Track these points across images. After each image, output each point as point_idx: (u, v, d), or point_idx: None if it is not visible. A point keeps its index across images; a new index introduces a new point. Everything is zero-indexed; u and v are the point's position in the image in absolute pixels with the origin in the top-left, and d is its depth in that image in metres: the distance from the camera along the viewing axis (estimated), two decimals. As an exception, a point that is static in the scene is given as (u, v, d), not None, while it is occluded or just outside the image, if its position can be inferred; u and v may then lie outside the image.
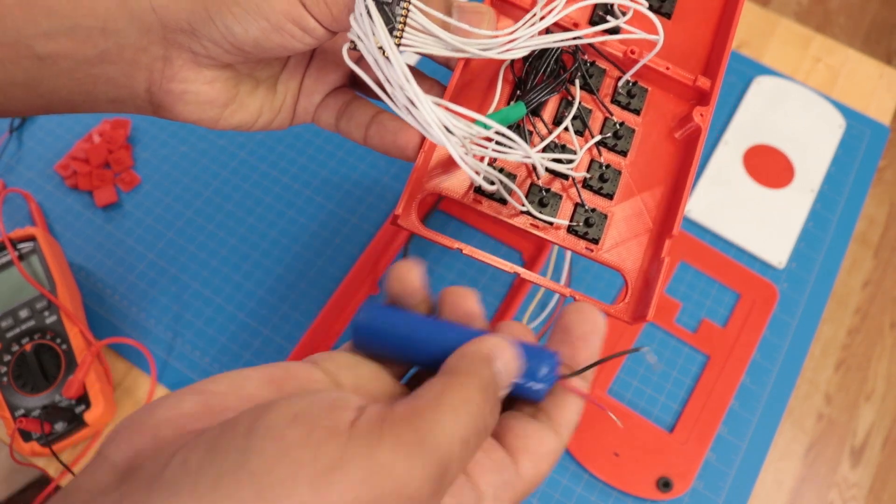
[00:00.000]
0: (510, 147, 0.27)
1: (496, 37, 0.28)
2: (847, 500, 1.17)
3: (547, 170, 0.32)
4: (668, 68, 0.33)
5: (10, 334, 0.49)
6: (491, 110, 0.32)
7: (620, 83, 0.33)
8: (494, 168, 0.31)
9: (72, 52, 0.25)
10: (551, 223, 0.32)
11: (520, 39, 0.29)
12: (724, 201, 0.61)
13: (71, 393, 0.47)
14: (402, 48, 0.26)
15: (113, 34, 0.25)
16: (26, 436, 0.48)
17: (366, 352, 0.25)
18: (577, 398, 0.25)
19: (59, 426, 0.48)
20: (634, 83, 0.34)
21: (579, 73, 0.33)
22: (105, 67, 0.26)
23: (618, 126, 0.33)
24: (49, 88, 0.26)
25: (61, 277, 0.52)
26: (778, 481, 1.17)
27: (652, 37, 0.32)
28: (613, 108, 0.34)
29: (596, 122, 0.33)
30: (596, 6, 0.34)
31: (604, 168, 0.33)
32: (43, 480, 0.80)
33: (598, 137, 0.33)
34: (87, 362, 0.48)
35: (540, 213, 0.31)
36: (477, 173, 0.28)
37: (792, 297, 0.58)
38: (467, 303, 0.25)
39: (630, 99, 0.33)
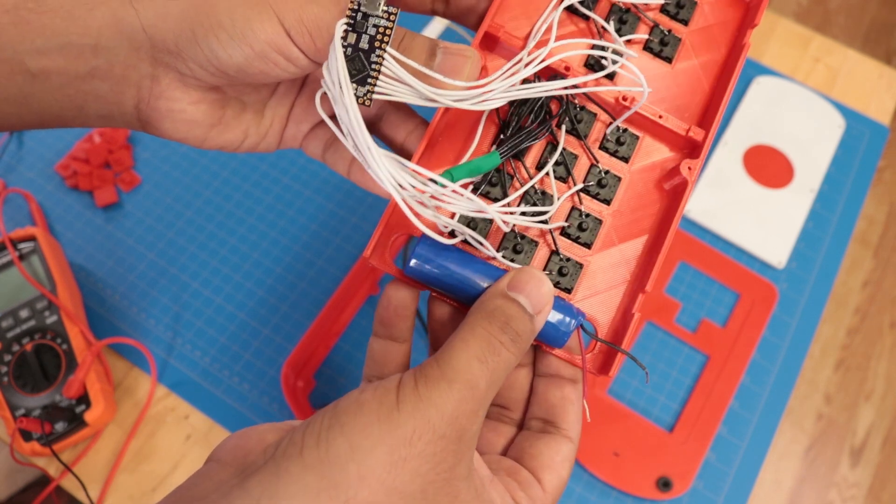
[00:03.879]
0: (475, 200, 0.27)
1: (471, 88, 0.28)
2: (846, 500, 1.17)
3: (525, 215, 0.31)
4: (660, 117, 0.32)
5: (10, 334, 0.49)
6: (466, 157, 0.31)
7: (609, 130, 0.32)
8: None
9: (63, 68, 0.26)
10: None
11: (496, 91, 0.28)
12: (724, 201, 0.61)
13: (71, 393, 0.47)
14: (375, 96, 0.26)
15: (104, 51, 0.26)
16: (27, 435, 0.48)
17: (416, 280, 0.29)
18: (577, 403, 0.29)
19: (60, 426, 0.48)
20: (625, 130, 0.32)
21: (566, 118, 0.32)
22: (95, 84, 0.27)
23: (603, 174, 0.32)
24: (41, 104, 0.27)
25: (62, 277, 0.52)
26: (777, 481, 1.17)
27: (637, 89, 0.31)
28: (601, 155, 0.32)
29: (581, 168, 0.32)
30: (592, 48, 0.33)
31: (583, 217, 0.32)
32: (43, 480, 0.80)
33: (578, 187, 0.32)
34: (88, 362, 0.48)
35: (511, 261, 0.31)
36: (445, 227, 0.28)
37: (792, 297, 0.58)
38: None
39: (619, 146, 0.32)
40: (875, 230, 1.40)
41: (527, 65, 0.30)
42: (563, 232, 0.32)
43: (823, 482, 1.18)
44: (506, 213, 0.29)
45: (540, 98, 0.31)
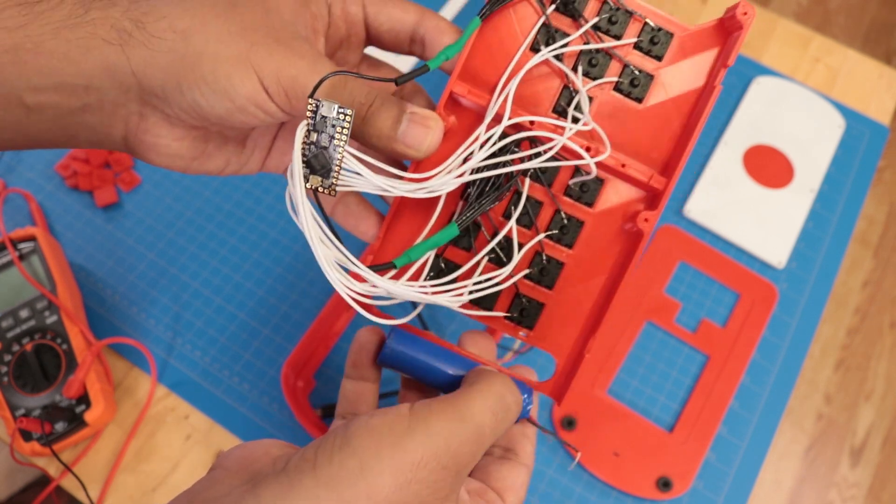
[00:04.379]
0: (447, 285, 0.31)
1: (419, 180, 0.30)
2: (846, 500, 1.18)
3: (490, 260, 0.33)
4: (623, 165, 0.32)
5: (10, 334, 0.49)
6: (425, 233, 0.33)
7: (572, 182, 0.33)
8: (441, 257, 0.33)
9: (57, 103, 0.27)
10: (487, 315, 0.34)
11: (449, 177, 0.30)
12: (724, 201, 0.61)
13: (71, 393, 0.47)
14: (339, 188, 0.28)
15: (95, 90, 0.28)
16: (27, 435, 0.48)
17: (389, 368, 0.33)
18: (533, 438, 0.33)
19: (60, 426, 0.48)
20: (588, 174, 0.33)
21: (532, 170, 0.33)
22: (86, 117, 0.28)
23: (565, 221, 0.33)
24: (35, 132, 0.29)
25: (61, 277, 0.52)
26: (777, 481, 1.17)
27: (587, 163, 0.32)
28: (565, 201, 0.33)
29: (545, 214, 0.34)
30: (560, 97, 0.33)
31: (545, 262, 0.33)
32: (43, 480, 0.80)
33: (540, 237, 0.33)
34: (88, 362, 0.48)
35: (476, 304, 0.33)
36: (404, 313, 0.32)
37: (792, 296, 0.58)
38: (484, 340, 0.34)
39: (583, 193, 0.33)
40: (875, 230, 1.40)
41: (482, 145, 0.31)
42: (526, 276, 0.34)
43: (823, 482, 1.18)
44: (456, 294, 0.32)
45: (507, 149, 0.32)
